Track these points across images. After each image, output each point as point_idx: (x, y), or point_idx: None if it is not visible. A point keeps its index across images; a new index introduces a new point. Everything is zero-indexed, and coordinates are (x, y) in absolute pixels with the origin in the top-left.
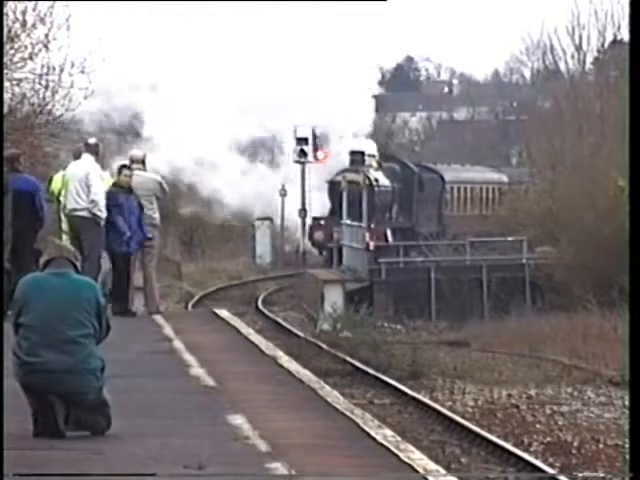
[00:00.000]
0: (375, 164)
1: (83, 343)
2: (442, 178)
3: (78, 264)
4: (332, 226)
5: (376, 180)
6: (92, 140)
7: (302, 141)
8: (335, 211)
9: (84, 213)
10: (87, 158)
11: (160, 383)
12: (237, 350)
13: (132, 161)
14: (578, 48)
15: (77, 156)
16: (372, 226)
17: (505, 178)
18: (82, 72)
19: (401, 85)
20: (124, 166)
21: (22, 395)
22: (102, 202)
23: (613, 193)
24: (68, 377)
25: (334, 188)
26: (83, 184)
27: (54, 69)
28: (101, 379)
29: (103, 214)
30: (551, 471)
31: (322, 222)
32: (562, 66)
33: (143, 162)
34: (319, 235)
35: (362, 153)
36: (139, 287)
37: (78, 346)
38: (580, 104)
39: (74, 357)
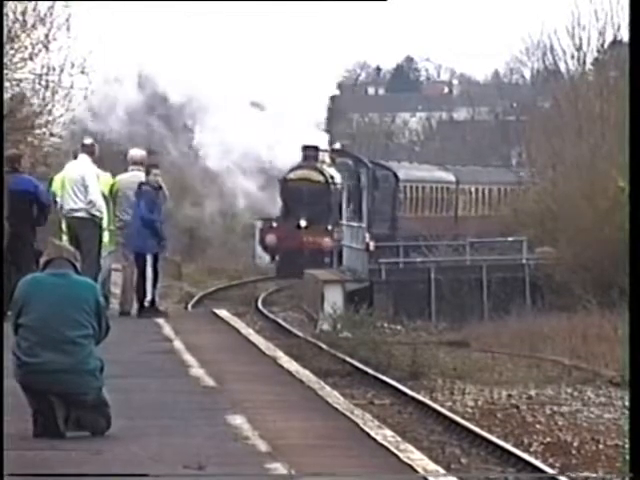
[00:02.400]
0: (328, 160)
1: (82, 343)
2: (396, 176)
3: (78, 265)
4: (285, 229)
5: (332, 177)
6: (88, 140)
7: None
8: (288, 212)
9: (82, 214)
10: (83, 158)
11: (160, 383)
12: (237, 350)
13: (132, 162)
14: (578, 48)
15: (76, 156)
16: (329, 227)
17: (452, 177)
18: (82, 72)
19: (401, 85)
20: (152, 165)
21: (22, 395)
22: (100, 202)
23: (613, 193)
24: (67, 377)
25: (286, 186)
26: (80, 185)
27: (54, 69)
28: (100, 379)
29: (101, 214)
30: (551, 471)
31: (274, 224)
32: (562, 66)
33: (142, 163)
34: (271, 239)
35: (316, 148)
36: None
37: (77, 346)
38: (580, 104)
39: (73, 357)
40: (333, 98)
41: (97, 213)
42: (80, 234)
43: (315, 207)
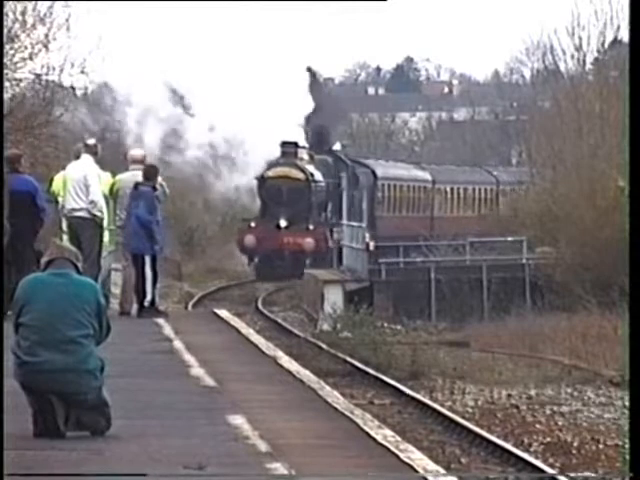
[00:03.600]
0: (307, 157)
1: (82, 343)
2: (374, 174)
3: (79, 265)
4: (264, 229)
5: (312, 175)
6: (91, 140)
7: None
8: (267, 211)
9: (83, 213)
10: (86, 158)
11: (160, 383)
12: (237, 350)
13: (132, 161)
14: (578, 48)
15: (77, 156)
16: (310, 227)
17: (428, 176)
18: (82, 72)
19: (401, 85)
20: (152, 167)
21: (22, 395)
22: (101, 202)
23: (613, 193)
24: (67, 377)
25: (264, 184)
26: (82, 184)
27: (54, 69)
28: (100, 379)
29: (103, 214)
30: (551, 471)
31: (252, 224)
32: (562, 66)
33: (142, 162)
34: (250, 240)
35: (295, 144)
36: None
37: (77, 346)
38: (580, 104)
39: (73, 357)
40: (312, 94)
41: (98, 213)
42: (81, 234)
43: (295, 206)
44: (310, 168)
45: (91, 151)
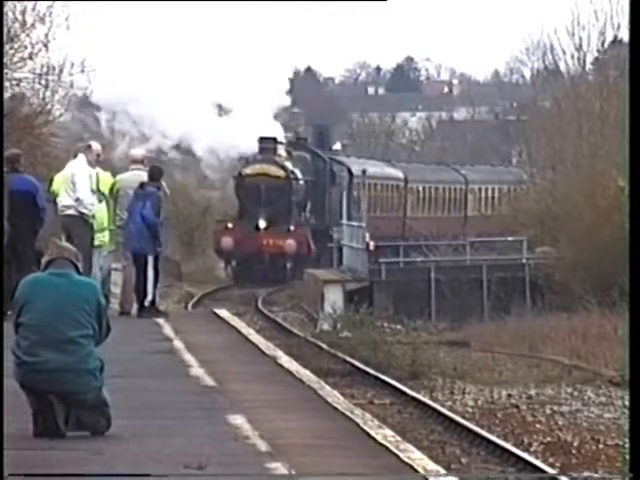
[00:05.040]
0: (285, 153)
1: (82, 343)
2: (350, 171)
3: (79, 265)
4: (242, 230)
5: (292, 172)
6: (92, 142)
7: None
8: (245, 211)
9: (72, 211)
10: (80, 158)
11: (160, 383)
12: (237, 350)
13: (132, 161)
14: (578, 48)
15: (76, 156)
16: (291, 228)
17: (401, 174)
18: (82, 72)
19: (401, 85)
20: (157, 168)
21: (22, 395)
22: (88, 200)
23: (613, 193)
24: (67, 377)
25: (242, 182)
26: (70, 183)
27: (54, 69)
28: (100, 379)
29: (90, 212)
30: (551, 471)
31: (229, 225)
32: (562, 66)
33: (142, 162)
34: (227, 242)
35: (274, 140)
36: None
37: (77, 346)
38: (580, 104)
39: (73, 357)
40: (291, 89)
41: (85, 211)
42: (71, 231)
43: (275, 206)
44: (289, 165)
45: (90, 151)
